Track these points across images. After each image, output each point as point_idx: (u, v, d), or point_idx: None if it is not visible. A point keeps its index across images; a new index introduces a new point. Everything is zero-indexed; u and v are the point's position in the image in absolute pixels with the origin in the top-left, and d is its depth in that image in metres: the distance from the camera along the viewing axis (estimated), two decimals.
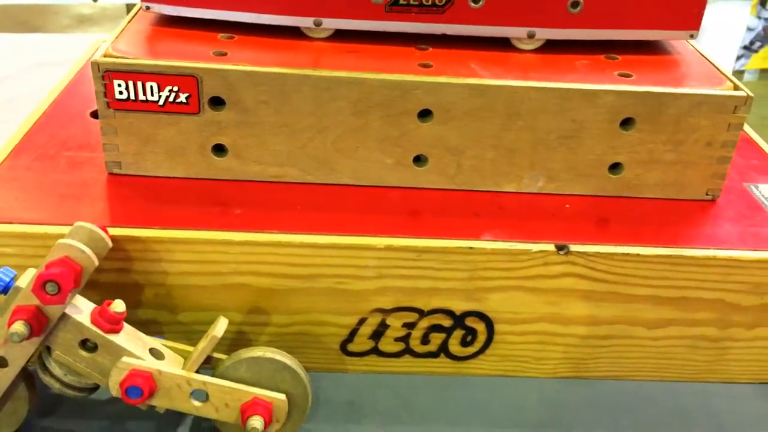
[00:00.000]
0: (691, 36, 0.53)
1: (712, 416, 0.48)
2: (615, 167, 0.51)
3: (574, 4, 0.51)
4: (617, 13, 0.51)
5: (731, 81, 0.50)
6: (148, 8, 0.51)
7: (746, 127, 0.62)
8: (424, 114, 0.49)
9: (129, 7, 2.07)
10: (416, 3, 0.50)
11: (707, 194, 0.52)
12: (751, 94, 0.49)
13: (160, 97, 0.48)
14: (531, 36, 0.52)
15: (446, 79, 0.48)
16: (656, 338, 0.49)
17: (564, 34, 0.52)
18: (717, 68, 0.53)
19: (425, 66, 0.49)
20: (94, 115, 0.56)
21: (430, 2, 0.50)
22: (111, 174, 0.50)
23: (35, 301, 0.39)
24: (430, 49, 0.52)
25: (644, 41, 0.54)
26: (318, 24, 0.51)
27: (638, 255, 0.46)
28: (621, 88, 0.48)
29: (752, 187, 0.54)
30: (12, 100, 0.79)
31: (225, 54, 0.49)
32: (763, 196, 0.53)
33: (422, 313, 0.48)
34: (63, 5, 2.20)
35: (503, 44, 0.53)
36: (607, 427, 0.47)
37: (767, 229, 0.49)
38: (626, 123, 0.50)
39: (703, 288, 0.47)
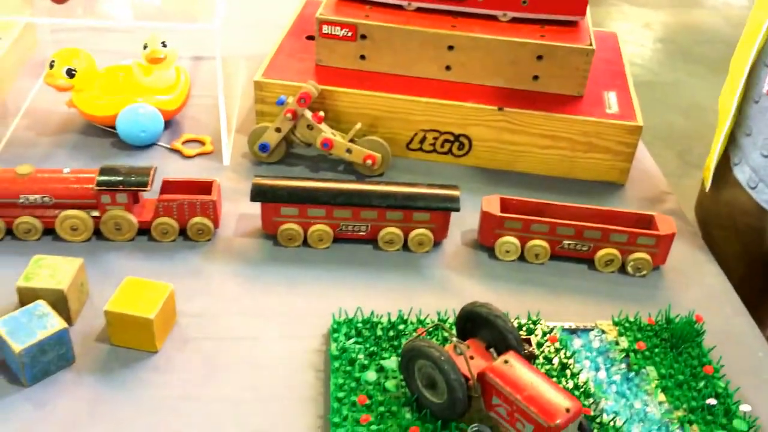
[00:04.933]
0: (580, 17, 1.13)
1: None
2: (535, 78, 1.13)
3: (524, 1, 1.12)
4: (541, 5, 1.12)
5: (591, 42, 1.10)
6: None
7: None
8: (450, 48, 1.12)
9: None
10: None
11: (577, 93, 1.13)
12: (593, 48, 1.09)
13: (340, 32, 1.14)
14: (504, 15, 1.13)
15: (460, 32, 1.11)
16: (544, 151, 1.12)
17: (520, 15, 1.13)
18: (591, 37, 1.12)
19: (453, 26, 1.12)
20: (310, 37, 1.23)
21: None
22: (318, 65, 1.17)
23: (295, 106, 1.07)
24: (458, 18, 1.15)
25: (561, 20, 1.14)
26: (409, 5, 1.15)
27: (537, 114, 1.09)
28: (536, 41, 1.10)
29: (603, 92, 1.15)
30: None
31: (368, 15, 1.14)
32: (608, 97, 1.13)
33: (441, 133, 1.13)
34: None
35: (492, 18, 1.14)
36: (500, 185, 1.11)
37: (592, 108, 1.10)
38: (540, 58, 1.11)
39: (563, 132, 1.09)
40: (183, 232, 0.97)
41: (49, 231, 0.95)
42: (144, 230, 0.96)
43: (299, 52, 1.21)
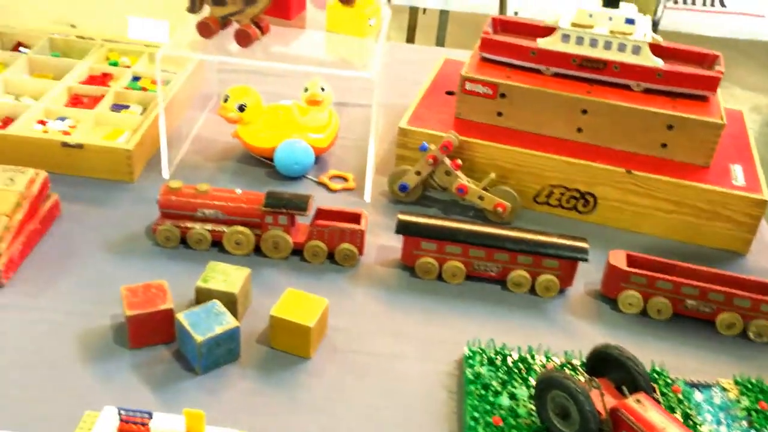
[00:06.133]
0: (711, 94, 1.19)
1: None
2: (663, 146, 1.19)
3: (659, 74, 1.19)
4: (675, 79, 1.19)
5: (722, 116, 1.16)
6: (484, 58, 1.27)
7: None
8: (584, 112, 1.20)
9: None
10: (587, 64, 1.22)
11: (704, 163, 1.18)
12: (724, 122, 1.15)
13: (482, 90, 1.24)
14: (638, 86, 1.21)
15: (595, 98, 1.19)
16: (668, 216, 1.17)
17: (653, 87, 1.20)
18: (721, 112, 1.18)
19: (588, 92, 1.21)
20: (450, 92, 1.34)
21: (594, 64, 1.21)
22: (457, 117, 1.28)
23: (437, 153, 1.17)
24: (593, 85, 1.23)
25: (693, 94, 1.21)
26: (547, 69, 1.24)
27: (665, 180, 1.15)
28: (669, 112, 1.16)
29: (730, 165, 1.20)
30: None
31: (508, 76, 1.24)
32: (735, 170, 1.18)
33: (568, 189, 1.20)
34: None
35: (626, 87, 1.22)
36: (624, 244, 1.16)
37: (718, 178, 1.15)
38: (670, 128, 1.18)
39: (689, 199, 1.15)
40: (330, 256, 1.08)
41: (215, 243, 1.07)
42: (296, 251, 1.07)
43: (439, 105, 1.32)
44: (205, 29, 1.15)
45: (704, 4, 2.99)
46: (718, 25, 3.00)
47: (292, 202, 1.04)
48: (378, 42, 1.24)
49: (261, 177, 1.27)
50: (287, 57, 1.22)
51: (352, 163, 1.32)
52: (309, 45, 1.26)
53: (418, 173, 1.20)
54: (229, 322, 0.87)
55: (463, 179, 1.19)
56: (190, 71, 1.39)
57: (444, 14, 2.93)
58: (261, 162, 1.29)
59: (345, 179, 1.28)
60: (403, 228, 1.05)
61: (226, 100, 1.24)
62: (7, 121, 1.24)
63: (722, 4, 2.99)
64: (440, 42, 2.99)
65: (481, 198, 1.19)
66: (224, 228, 1.06)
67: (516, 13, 2.77)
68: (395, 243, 1.11)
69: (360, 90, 1.30)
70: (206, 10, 1.17)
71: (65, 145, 1.16)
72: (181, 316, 0.87)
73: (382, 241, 1.13)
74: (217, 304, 0.90)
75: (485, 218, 1.20)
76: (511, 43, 1.26)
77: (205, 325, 0.87)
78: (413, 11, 2.86)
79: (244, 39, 1.15)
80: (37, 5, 1.47)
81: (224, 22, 1.17)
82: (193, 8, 1.16)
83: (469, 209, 1.23)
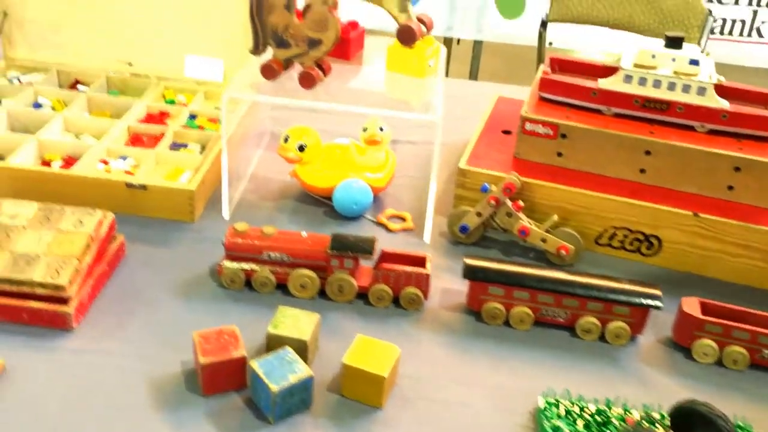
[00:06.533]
0: None
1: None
2: (730, 188, 1.17)
3: (724, 115, 1.17)
4: (740, 120, 1.17)
5: None
6: (543, 98, 1.27)
7: None
8: (647, 153, 1.19)
9: None
10: (650, 105, 1.20)
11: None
12: None
13: (542, 130, 1.23)
14: (702, 127, 1.19)
15: (659, 139, 1.18)
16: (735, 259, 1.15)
17: (717, 128, 1.19)
18: None
19: (651, 132, 1.20)
20: (506, 132, 1.34)
21: (658, 105, 1.20)
22: (516, 157, 1.27)
23: (500, 195, 1.16)
24: (655, 125, 1.22)
25: (758, 135, 1.19)
26: (608, 110, 1.23)
27: (733, 224, 1.12)
28: (735, 154, 1.15)
29: None
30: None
31: (568, 116, 1.23)
32: None
33: (631, 231, 1.18)
34: None
35: (689, 128, 1.21)
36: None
37: None
38: (737, 170, 1.16)
39: (758, 242, 1.12)
40: (394, 299, 1.07)
41: (278, 285, 1.07)
42: (359, 294, 1.07)
43: (496, 144, 1.32)
44: (269, 71, 1.16)
45: (741, 34, 2.98)
46: (757, 55, 2.99)
47: (358, 246, 1.04)
48: (438, 83, 1.24)
49: (319, 216, 1.27)
50: (349, 98, 1.22)
51: (408, 202, 1.32)
52: (368, 84, 1.27)
53: (479, 214, 1.19)
54: (302, 370, 0.86)
55: (524, 221, 1.18)
56: (244, 110, 1.40)
57: (478, 45, 2.95)
58: (318, 201, 1.29)
59: (403, 219, 1.27)
60: (470, 273, 1.03)
61: (286, 140, 1.25)
62: (70, 160, 1.25)
63: (759, 35, 2.97)
64: (474, 72, 3.00)
65: (543, 240, 1.17)
66: (289, 270, 1.05)
67: (551, 44, 2.77)
68: (458, 286, 1.10)
69: (410, 127, 1.30)
70: (269, 52, 1.18)
71: (129, 185, 1.16)
72: (255, 365, 0.86)
73: (444, 283, 1.12)
74: (290, 352, 0.89)
75: (546, 260, 1.19)
76: (571, 84, 1.25)
77: (278, 373, 0.86)
78: (447, 42, 2.88)
79: (308, 81, 1.15)
80: (96, 44, 1.49)
81: (287, 64, 1.18)
82: (257, 50, 1.17)
83: (529, 250, 1.21)
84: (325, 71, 1.19)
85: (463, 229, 1.20)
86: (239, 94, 1.17)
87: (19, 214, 1.03)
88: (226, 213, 1.23)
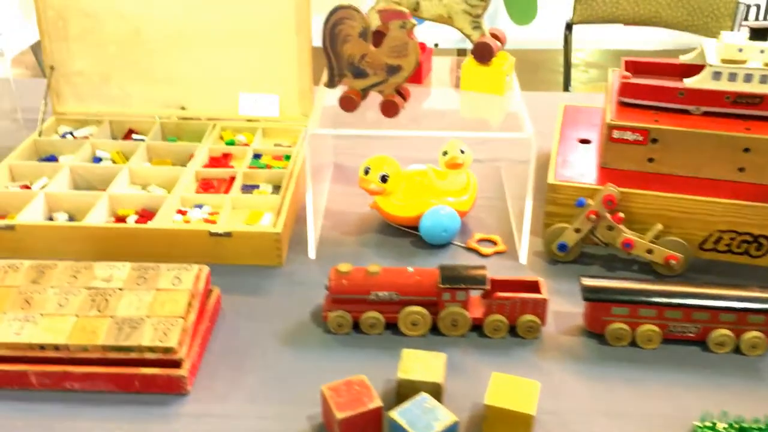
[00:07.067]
0: None
1: None
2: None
3: None
4: None
5: None
6: (623, 103, 1.22)
7: None
8: (746, 150, 1.14)
9: None
10: (742, 100, 1.16)
11: None
12: None
13: (631, 137, 1.18)
14: None
15: (758, 135, 1.13)
16: None
17: None
18: None
19: (747, 129, 1.15)
20: (583, 141, 1.29)
21: (750, 100, 1.15)
22: (602, 167, 1.22)
23: (600, 208, 1.11)
24: (749, 121, 1.17)
25: None
26: (697, 109, 1.18)
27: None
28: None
29: None
30: None
31: (657, 120, 1.18)
32: None
33: (738, 233, 1.13)
34: None
35: None
36: None
37: None
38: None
39: None
40: (510, 329, 1.02)
41: (388, 325, 1.02)
42: (473, 326, 1.01)
43: (576, 155, 1.27)
44: (349, 103, 1.12)
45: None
46: None
47: (471, 277, 0.99)
48: (518, 98, 1.19)
49: (407, 247, 1.21)
50: (431, 122, 1.18)
51: (492, 224, 1.27)
52: (446, 105, 1.22)
53: (577, 231, 1.14)
54: (447, 417, 0.81)
55: (627, 233, 1.12)
56: (306, 144, 1.36)
57: None
58: (402, 231, 1.24)
59: (494, 242, 1.22)
60: (591, 294, 0.98)
61: (367, 173, 1.20)
62: (145, 213, 1.20)
63: None
64: None
65: (649, 252, 1.12)
66: (398, 309, 1.00)
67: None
68: (568, 307, 1.05)
69: (471, 144, 1.25)
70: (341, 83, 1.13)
71: (214, 234, 1.11)
72: (396, 416, 0.81)
73: (554, 306, 1.06)
74: (428, 398, 0.84)
75: (652, 271, 1.14)
76: (656, 86, 1.21)
77: (422, 422, 0.80)
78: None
79: (391, 110, 1.11)
80: (145, 91, 1.45)
81: (365, 94, 1.13)
82: (332, 83, 1.13)
83: (631, 263, 1.16)
84: (405, 97, 1.14)
85: (562, 247, 1.15)
86: (322, 129, 1.13)
87: (113, 276, 0.98)
88: (312, 253, 1.18)
